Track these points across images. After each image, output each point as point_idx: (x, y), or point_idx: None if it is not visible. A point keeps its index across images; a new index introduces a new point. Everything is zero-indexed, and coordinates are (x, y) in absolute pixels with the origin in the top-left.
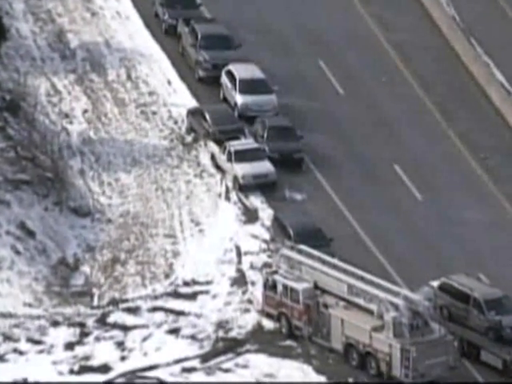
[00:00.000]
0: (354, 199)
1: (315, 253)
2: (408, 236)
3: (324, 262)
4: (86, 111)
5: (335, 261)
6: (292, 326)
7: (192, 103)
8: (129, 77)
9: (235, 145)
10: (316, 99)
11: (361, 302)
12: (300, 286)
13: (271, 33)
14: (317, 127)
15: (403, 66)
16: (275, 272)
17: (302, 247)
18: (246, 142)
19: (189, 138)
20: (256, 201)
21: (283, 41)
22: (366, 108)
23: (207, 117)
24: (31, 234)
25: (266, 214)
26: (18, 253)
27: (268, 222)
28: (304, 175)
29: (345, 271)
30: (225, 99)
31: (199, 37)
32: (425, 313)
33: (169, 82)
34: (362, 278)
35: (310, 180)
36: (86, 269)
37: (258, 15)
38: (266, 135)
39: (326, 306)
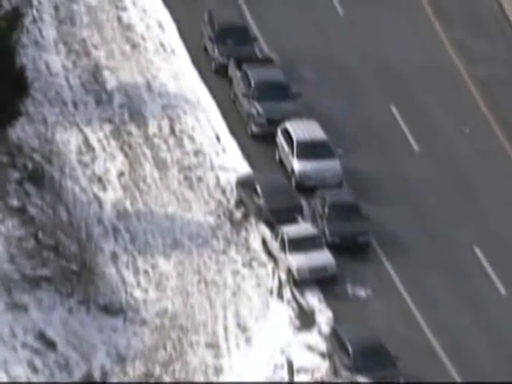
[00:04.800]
0: (426, 293)
1: None
2: (492, 346)
3: None
4: (122, 174)
5: None
6: None
7: (243, 167)
8: (172, 130)
9: (289, 231)
10: (386, 159)
11: None
12: None
13: (335, 68)
14: (387, 198)
15: (489, 110)
16: None
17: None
18: (302, 228)
19: (238, 214)
20: (313, 299)
21: (348, 79)
22: (445, 170)
23: (259, 190)
24: (51, 345)
25: (324, 316)
26: (35, 370)
27: (326, 328)
28: (369, 264)
29: None
30: (281, 162)
31: (252, 85)
32: None
33: (217, 138)
34: None
35: (376, 270)
36: None
37: (320, 45)
38: (326, 214)
39: None
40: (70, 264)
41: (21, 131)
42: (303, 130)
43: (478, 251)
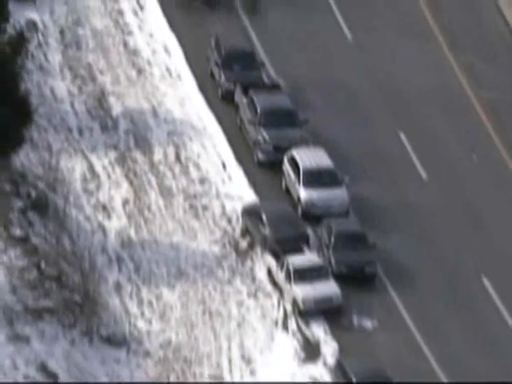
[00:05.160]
0: (432, 324)
1: None
2: (500, 377)
3: None
4: (126, 202)
5: None
6: None
7: (249, 195)
8: (178, 157)
9: (295, 261)
10: (394, 186)
11: None
12: None
13: (343, 93)
14: (394, 225)
15: (498, 135)
16: None
17: None
18: (307, 258)
19: (243, 244)
20: (318, 330)
21: (357, 105)
22: (453, 197)
23: (264, 219)
24: (53, 377)
25: (329, 348)
26: None
27: (331, 360)
28: (376, 294)
29: None
30: (287, 190)
31: (258, 112)
32: None
33: (223, 166)
34: None
35: (383, 300)
36: None
37: (328, 71)
38: (332, 244)
39: None
40: (72, 295)
41: (25, 158)
42: (310, 157)
43: (485, 280)
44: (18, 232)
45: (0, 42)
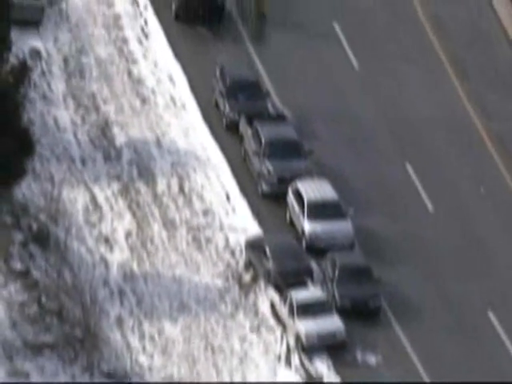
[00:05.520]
0: (438, 360)
1: None
2: None
3: None
4: (129, 234)
5: None
6: None
7: (253, 227)
8: (181, 189)
9: (298, 295)
10: (400, 218)
11: None
12: None
13: (349, 123)
14: (399, 258)
15: (507, 169)
16: None
17: None
18: (311, 293)
19: (247, 277)
20: (322, 365)
21: (363, 135)
22: (460, 230)
23: (268, 252)
24: None
25: None
26: None
27: None
28: (380, 329)
29: None
30: (292, 222)
31: (263, 142)
32: None
33: (227, 197)
34: None
35: (387, 335)
36: None
37: (334, 100)
38: (336, 277)
39: None
40: (73, 329)
41: (27, 189)
42: (314, 189)
43: (491, 315)
44: (18, 266)
45: (2, 71)
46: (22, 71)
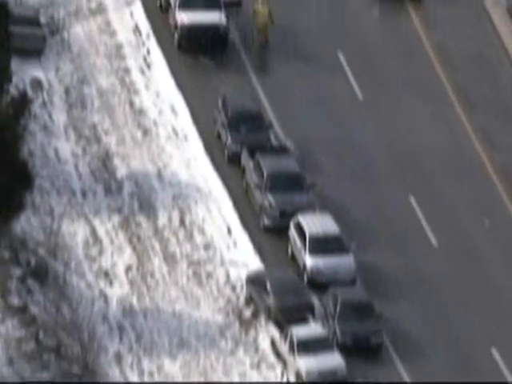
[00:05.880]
0: None
1: None
2: None
3: None
4: (129, 268)
5: None
6: None
7: (254, 261)
8: (182, 222)
9: (299, 332)
10: (403, 253)
11: None
12: None
13: (353, 155)
14: (402, 294)
15: (511, 201)
16: None
17: None
18: (311, 329)
19: (247, 313)
20: None
21: (366, 167)
22: (464, 265)
23: (268, 288)
24: None
25: None
26: None
27: None
28: (382, 366)
29: None
30: (293, 257)
31: (265, 175)
32: None
33: (229, 231)
34: None
35: (389, 373)
36: None
37: (338, 132)
38: (337, 313)
39: None
40: (71, 366)
41: (26, 223)
42: (316, 224)
43: (495, 352)
44: (16, 301)
45: (2, 103)
46: (23, 103)
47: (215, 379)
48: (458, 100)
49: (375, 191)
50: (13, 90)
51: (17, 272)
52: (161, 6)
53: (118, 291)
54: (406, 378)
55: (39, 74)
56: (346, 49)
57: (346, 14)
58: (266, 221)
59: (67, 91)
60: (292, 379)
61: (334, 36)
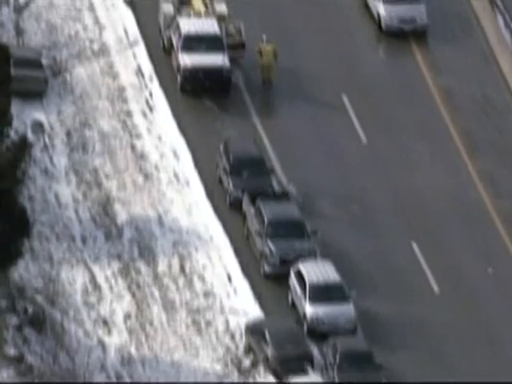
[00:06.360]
0: None
1: None
2: None
3: None
4: (128, 316)
5: None
6: None
7: (254, 309)
8: (182, 269)
9: (297, 382)
10: (404, 301)
11: None
12: None
13: (355, 201)
14: (404, 343)
15: None
16: None
17: None
18: (310, 380)
19: (247, 362)
20: None
21: (368, 213)
22: (467, 314)
23: (267, 337)
24: None
25: None
26: None
27: None
28: None
29: None
30: (294, 305)
31: (265, 222)
32: None
33: (229, 278)
34: None
35: None
36: None
37: (341, 176)
38: (337, 363)
39: None
40: None
41: (24, 270)
42: (317, 272)
43: None
44: (12, 351)
45: (1, 148)
46: (22, 148)
47: None
48: (462, 144)
49: (377, 237)
50: (13, 134)
51: (13, 321)
52: (164, 47)
53: (116, 340)
54: None
55: (41, 116)
56: (350, 91)
57: (350, 55)
58: (267, 268)
59: (69, 134)
60: None
61: (339, 78)
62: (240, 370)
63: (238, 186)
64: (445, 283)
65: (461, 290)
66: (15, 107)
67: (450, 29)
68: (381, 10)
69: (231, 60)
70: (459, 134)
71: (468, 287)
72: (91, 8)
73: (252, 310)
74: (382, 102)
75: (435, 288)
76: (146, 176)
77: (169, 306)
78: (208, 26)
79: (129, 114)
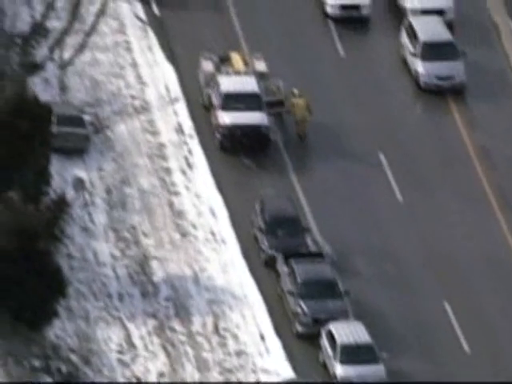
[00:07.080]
0: None
1: None
2: None
3: None
4: (162, 375)
5: None
6: None
7: (286, 369)
8: (216, 328)
9: None
10: (435, 361)
11: None
12: None
13: (389, 260)
14: None
15: None
16: None
17: None
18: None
19: None
20: None
21: (402, 272)
22: (498, 373)
23: None
24: None
25: None
26: None
27: None
28: None
29: None
30: (325, 365)
31: (298, 282)
32: None
33: (262, 338)
34: None
35: None
36: None
37: (376, 235)
38: None
39: None
40: None
41: (60, 329)
42: (347, 332)
43: None
44: None
45: (39, 208)
46: (61, 207)
47: None
48: (498, 204)
49: (410, 297)
50: (52, 193)
51: (47, 381)
52: (204, 105)
53: None
54: None
55: (82, 173)
56: (387, 148)
57: (388, 112)
58: (299, 328)
59: (108, 191)
60: None
61: (375, 135)
62: None
63: (273, 245)
64: (475, 342)
65: (491, 349)
66: (56, 164)
67: (488, 86)
68: (419, 67)
69: (272, 117)
70: (494, 192)
71: (498, 346)
72: (134, 64)
73: (284, 370)
74: (419, 159)
75: (466, 347)
76: (183, 234)
77: (202, 366)
78: (247, 83)
79: (168, 171)
